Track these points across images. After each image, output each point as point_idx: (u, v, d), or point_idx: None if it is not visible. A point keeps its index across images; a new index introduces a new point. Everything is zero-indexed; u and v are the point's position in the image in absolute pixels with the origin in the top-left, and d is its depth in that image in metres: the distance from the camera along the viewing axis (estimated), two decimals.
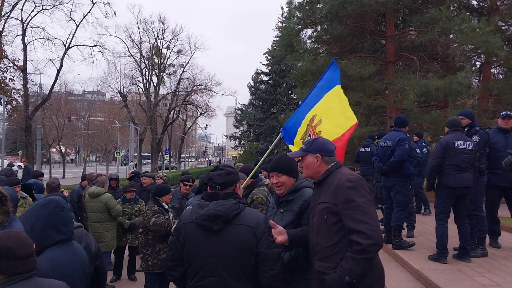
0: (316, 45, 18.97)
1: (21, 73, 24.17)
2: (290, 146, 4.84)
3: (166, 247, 5.28)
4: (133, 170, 13.44)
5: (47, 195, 5.98)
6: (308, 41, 18.49)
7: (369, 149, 10.16)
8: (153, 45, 41.72)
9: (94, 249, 3.17)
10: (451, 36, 15.52)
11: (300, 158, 3.11)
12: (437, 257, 6.24)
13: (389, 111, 16.21)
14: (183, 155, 65.35)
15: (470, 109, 10.33)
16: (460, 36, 14.15)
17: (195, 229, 2.77)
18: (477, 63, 18.17)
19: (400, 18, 18.28)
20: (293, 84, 25.56)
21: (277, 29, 36.92)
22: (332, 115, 4.42)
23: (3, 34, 21.83)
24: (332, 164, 2.97)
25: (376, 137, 10.13)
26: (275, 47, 34.46)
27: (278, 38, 27.28)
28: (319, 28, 18.11)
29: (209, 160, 75.18)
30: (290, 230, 3.12)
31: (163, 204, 5.60)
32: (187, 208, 4.54)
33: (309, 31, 18.56)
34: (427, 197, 10.50)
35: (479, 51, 15.21)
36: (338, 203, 2.71)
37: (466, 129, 6.63)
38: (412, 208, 8.28)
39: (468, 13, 16.30)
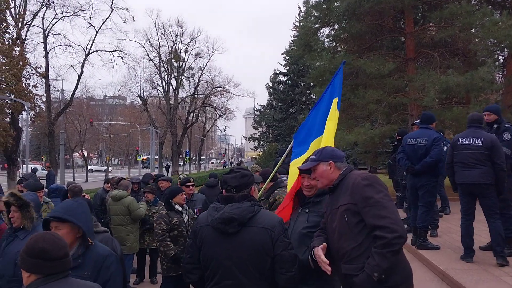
0: (334, 43, 18.85)
1: (44, 80, 24.70)
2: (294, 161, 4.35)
3: (178, 250, 5.29)
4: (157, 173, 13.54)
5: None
6: (326, 40, 18.40)
7: None
8: (171, 48, 42.16)
9: (119, 253, 3.25)
10: (472, 31, 15.20)
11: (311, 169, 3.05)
12: (463, 257, 6.12)
13: (410, 108, 16.00)
14: (202, 157, 65.75)
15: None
16: (482, 30, 13.85)
17: (211, 232, 2.79)
18: (500, 57, 17.75)
19: (419, 14, 18.03)
20: (312, 84, 25.45)
21: (294, 29, 36.76)
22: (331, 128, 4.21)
23: (25, 42, 22.32)
24: (344, 168, 2.97)
25: (396, 134, 9.96)
26: (292, 47, 34.33)
27: (295, 38, 27.18)
28: (336, 26, 18.00)
29: (225, 162, 75.08)
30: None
31: (176, 206, 5.52)
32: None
33: (326, 30, 18.49)
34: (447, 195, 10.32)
35: (502, 45, 14.84)
36: (357, 202, 2.71)
37: (495, 126, 6.46)
38: (436, 207, 8.13)
39: (490, 6, 15.95)
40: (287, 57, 41.72)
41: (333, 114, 4.06)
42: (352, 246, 2.74)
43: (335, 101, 4.17)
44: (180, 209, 5.52)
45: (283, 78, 43.61)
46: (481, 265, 5.88)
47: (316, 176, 3.04)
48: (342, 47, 19.08)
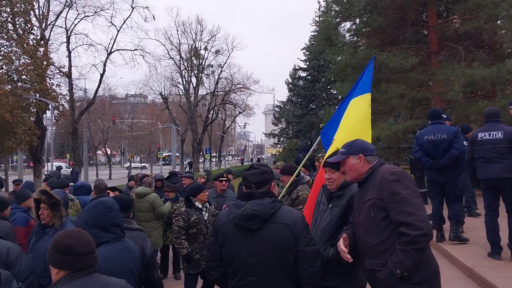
0: (355, 38, 18.67)
1: (67, 79, 25.14)
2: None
3: (197, 248, 5.34)
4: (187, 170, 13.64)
5: (95, 196, 6.18)
6: (347, 35, 18.24)
7: None
8: (191, 46, 42.36)
9: (148, 252, 3.29)
10: (498, 22, 14.84)
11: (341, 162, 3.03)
12: (490, 254, 6.00)
13: (433, 103, 15.70)
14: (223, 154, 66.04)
15: None
16: (508, 21, 13.52)
17: (233, 229, 2.79)
18: None
19: (443, 7, 17.66)
20: (332, 79, 25.32)
21: (314, 24, 36.48)
22: (349, 123, 4.11)
23: (49, 42, 22.74)
24: (375, 162, 2.93)
25: (419, 129, 9.75)
26: (313, 42, 34.14)
27: (316, 33, 26.98)
28: (358, 20, 17.78)
29: (243, 158, 75.12)
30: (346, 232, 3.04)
31: (196, 203, 5.53)
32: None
33: (347, 24, 18.31)
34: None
35: None
36: (384, 198, 2.69)
37: None
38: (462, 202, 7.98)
39: None
40: (307, 53, 41.51)
41: (367, 111, 4.00)
42: (377, 241, 2.73)
43: (368, 96, 4.10)
44: (200, 206, 5.52)
45: (303, 74, 43.40)
46: (510, 262, 5.74)
47: (346, 170, 3.01)
48: (363, 41, 18.86)
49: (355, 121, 3.98)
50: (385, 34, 17.37)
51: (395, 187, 2.66)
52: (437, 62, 15.63)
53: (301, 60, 43.23)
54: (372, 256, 2.77)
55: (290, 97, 45.49)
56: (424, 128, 7.40)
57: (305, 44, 42.66)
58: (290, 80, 45.13)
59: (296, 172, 4.64)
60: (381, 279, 2.68)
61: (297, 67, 44.11)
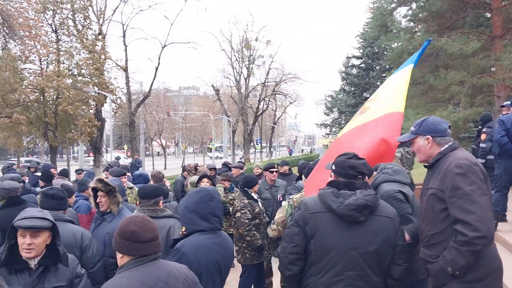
0: (411, 23, 17.99)
1: (124, 73, 25.98)
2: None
3: (260, 238, 5.37)
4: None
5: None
6: (403, 20, 17.60)
7: None
8: (242, 37, 42.51)
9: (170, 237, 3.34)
10: None
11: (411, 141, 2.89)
12: None
13: (496, 90, 14.84)
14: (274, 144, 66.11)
15: None
16: None
17: (331, 220, 2.58)
18: None
19: None
20: (388, 67, 24.56)
21: (368, 10, 35.50)
22: (385, 91, 4.02)
23: (106, 36, 23.56)
24: (446, 146, 2.69)
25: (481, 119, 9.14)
26: (367, 29, 33.21)
27: (370, 20, 26.24)
28: (414, 5, 17.11)
29: (291, 150, 74.75)
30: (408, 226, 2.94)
31: (253, 195, 5.60)
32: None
33: (403, 10, 17.69)
34: None
35: None
36: (445, 190, 2.51)
37: None
38: None
39: None
40: (361, 40, 40.53)
41: (405, 80, 3.86)
42: (433, 232, 2.60)
43: (410, 67, 3.96)
44: (256, 197, 5.60)
45: (357, 62, 42.48)
46: None
47: (414, 150, 2.85)
48: (420, 26, 18.12)
49: (391, 88, 3.88)
50: (444, 18, 16.59)
51: (458, 181, 2.47)
52: (501, 47, 14.70)
53: (354, 48, 42.37)
54: (427, 246, 2.66)
55: (343, 86, 44.66)
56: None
57: (359, 31, 41.72)
58: (343, 69, 44.28)
59: None
60: (432, 273, 2.59)
61: (350, 55, 43.22)
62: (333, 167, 2.76)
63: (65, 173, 8.66)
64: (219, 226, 2.91)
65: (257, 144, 55.62)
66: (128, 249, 2.17)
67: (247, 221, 5.34)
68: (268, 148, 60.92)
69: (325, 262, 2.56)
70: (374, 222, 2.56)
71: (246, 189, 5.61)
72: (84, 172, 9.26)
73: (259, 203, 5.64)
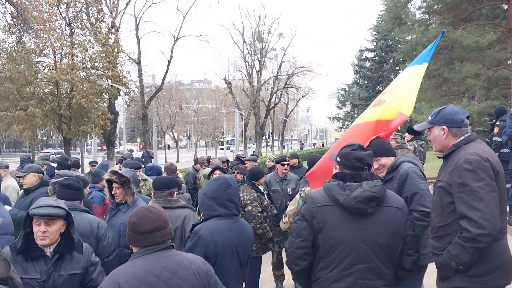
0: (426, 15, 17.78)
1: (137, 66, 26.11)
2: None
3: (267, 229, 5.40)
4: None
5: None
6: (418, 12, 17.40)
7: None
8: (254, 30, 42.40)
9: (190, 230, 3.34)
10: None
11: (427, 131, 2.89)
12: None
13: None
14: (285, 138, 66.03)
15: None
16: None
17: (338, 213, 2.53)
18: None
19: None
20: (402, 59, 24.31)
21: (382, 2, 35.16)
22: (402, 85, 3.98)
23: (119, 30, 23.67)
24: (462, 138, 2.67)
25: (495, 113, 8.99)
26: (380, 22, 32.89)
27: (383, 12, 25.97)
28: None
29: (302, 143, 74.54)
30: None
31: (260, 187, 5.64)
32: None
33: (417, 1, 17.58)
34: None
35: None
36: (453, 185, 2.50)
37: None
38: None
39: None
40: (374, 33, 40.18)
41: (417, 80, 3.83)
42: (440, 224, 2.61)
43: (425, 65, 3.91)
44: (262, 190, 5.66)
45: (370, 55, 42.14)
46: None
47: (431, 139, 2.83)
48: (435, 18, 17.89)
49: (407, 85, 3.88)
50: (459, 10, 16.36)
51: (466, 177, 2.45)
52: None
53: (367, 41, 42.04)
54: (434, 237, 2.67)
55: (356, 80, 44.38)
56: None
57: (372, 24, 41.36)
58: (356, 62, 43.95)
59: None
60: (437, 265, 2.61)
61: (363, 48, 42.88)
62: (338, 159, 2.70)
63: (76, 164, 8.74)
64: (236, 212, 2.99)
65: (268, 138, 55.56)
66: (131, 240, 2.23)
67: (259, 214, 5.36)
68: (279, 141, 60.85)
69: (334, 256, 2.52)
70: (382, 213, 2.52)
71: (253, 181, 5.63)
72: (98, 164, 9.37)
73: (265, 195, 5.71)
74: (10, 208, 4.58)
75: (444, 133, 2.71)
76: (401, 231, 2.56)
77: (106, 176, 4.03)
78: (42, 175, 5.08)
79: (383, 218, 2.52)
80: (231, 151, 43.67)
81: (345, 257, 2.49)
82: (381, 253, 2.51)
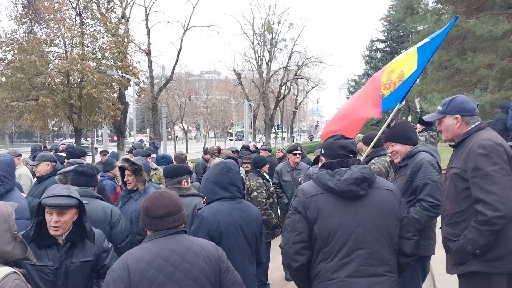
0: (439, 5, 17.50)
1: (146, 56, 26.14)
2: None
3: (271, 215, 5.49)
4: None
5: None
6: (430, 2, 17.14)
7: None
8: (264, 20, 42.17)
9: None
10: None
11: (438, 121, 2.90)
12: None
13: None
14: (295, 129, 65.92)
15: None
16: None
17: (331, 199, 2.48)
18: None
19: None
20: None
21: None
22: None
23: (129, 20, 23.68)
24: (473, 125, 2.70)
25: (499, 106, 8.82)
26: (391, 12, 32.56)
27: (395, 2, 25.68)
28: None
29: (311, 135, 74.38)
30: None
31: (265, 174, 5.74)
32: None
33: None
34: None
35: None
36: (468, 170, 2.55)
37: None
38: None
39: None
40: (385, 23, 39.79)
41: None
42: (455, 211, 2.65)
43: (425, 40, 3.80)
44: (267, 177, 5.76)
45: (381, 46, 41.73)
46: None
47: (442, 129, 2.85)
48: (447, 8, 17.62)
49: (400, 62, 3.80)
50: None
51: (480, 161, 2.50)
52: None
53: (378, 31, 41.64)
54: (448, 224, 2.70)
55: (366, 70, 43.97)
56: None
57: (384, 14, 40.98)
58: (366, 53, 43.59)
59: (372, 143, 4.34)
60: (453, 251, 2.63)
61: (374, 39, 42.56)
62: (323, 151, 2.74)
63: (83, 153, 8.79)
64: (238, 194, 3.11)
65: (277, 129, 55.47)
66: (145, 224, 2.29)
67: (264, 200, 5.44)
68: (288, 133, 60.78)
69: (332, 245, 2.44)
70: (375, 195, 2.49)
71: (258, 169, 5.69)
72: (108, 153, 9.43)
73: (271, 183, 5.83)
74: (24, 196, 4.63)
75: (458, 122, 2.74)
76: (396, 213, 2.52)
77: (119, 163, 4.07)
78: (55, 163, 5.13)
79: (377, 200, 2.49)
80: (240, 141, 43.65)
81: (344, 244, 2.42)
82: (380, 235, 2.45)
